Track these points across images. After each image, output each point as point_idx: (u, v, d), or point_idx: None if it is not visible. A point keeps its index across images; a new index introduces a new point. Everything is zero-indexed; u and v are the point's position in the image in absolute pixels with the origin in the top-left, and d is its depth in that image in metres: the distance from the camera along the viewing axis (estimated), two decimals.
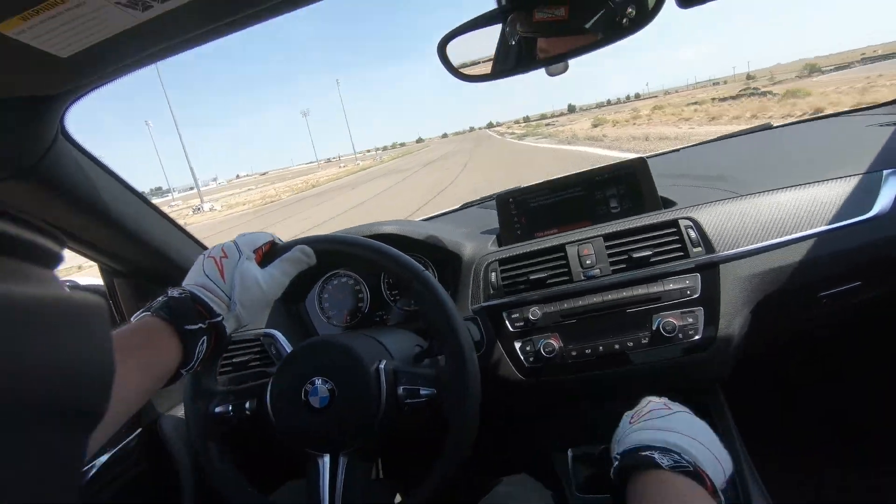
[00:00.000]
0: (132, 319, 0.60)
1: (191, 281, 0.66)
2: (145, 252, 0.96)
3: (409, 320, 1.18)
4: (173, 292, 0.62)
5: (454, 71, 0.77)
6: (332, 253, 0.78)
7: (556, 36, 0.70)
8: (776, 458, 1.12)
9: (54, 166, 0.70)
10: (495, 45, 0.75)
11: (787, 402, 1.29)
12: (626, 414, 0.71)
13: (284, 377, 0.74)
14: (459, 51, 0.77)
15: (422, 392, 0.74)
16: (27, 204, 0.73)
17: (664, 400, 0.71)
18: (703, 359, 0.92)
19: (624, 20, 0.68)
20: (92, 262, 0.98)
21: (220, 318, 0.63)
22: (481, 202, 1.51)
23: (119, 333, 0.55)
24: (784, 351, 1.10)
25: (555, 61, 0.73)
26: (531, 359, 0.98)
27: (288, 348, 1.11)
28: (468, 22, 0.75)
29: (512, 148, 26.12)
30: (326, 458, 0.73)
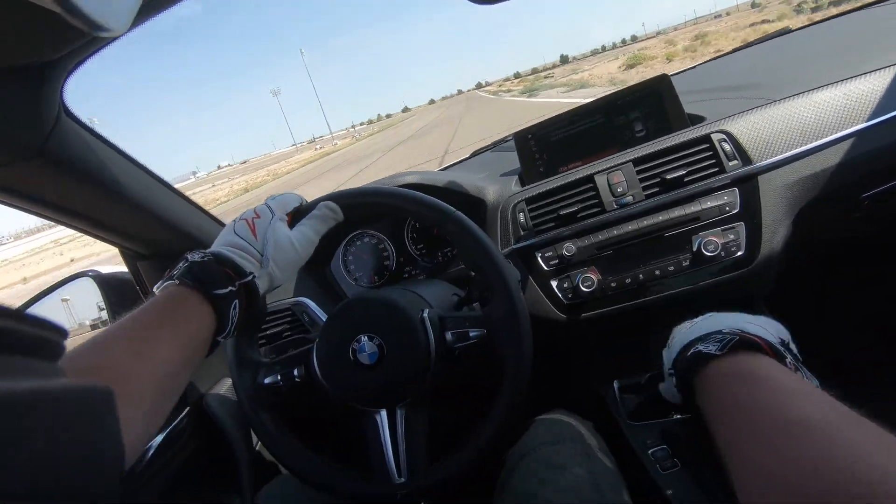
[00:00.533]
0: (155, 290, 0.57)
1: (219, 243, 0.64)
2: (165, 230, 0.93)
3: (438, 272, 1.16)
4: (194, 256, 0.59)
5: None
6: (359, 206, 0.76)
7: None
8: (817, 370, 1.12)
9: (62, 146, 0.67)
10: None
11: (830, 310, 1.28)
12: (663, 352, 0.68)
13: (329, 339, 0.73)
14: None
15: (471, 334, 0.72)
16: (41, 187, 0.70)
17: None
18: (747, 275, 0.90)
19: None
20: (111, 249, 0.96)
21: (250, 277, 0.60)
22: (493, 146, 1.46)
23: (145, 308, 0.53)
24: (827, 260, 1.08)
25: None
26: (569, 295, 0.96)
27: (320, 314, 1.10)
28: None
29: (519, 109, 17.94)
30: (384, 413, 0.73)
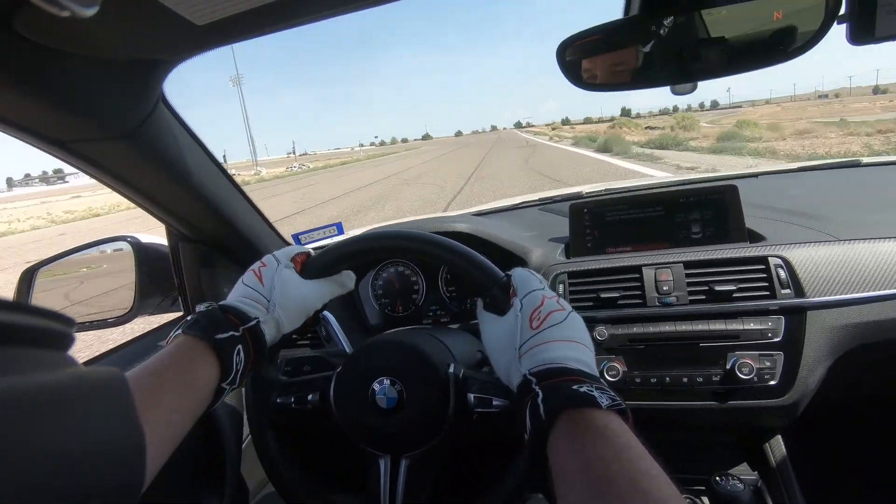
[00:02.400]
0: (166, 342, 0.58)
1: (230, 297, 0.66)
2: (218, 223, 0.95)
3: (463, 319, 1.16)
4: (201, 307, 0.60)
5: (573, 75, 0.73)
6: (401, 249, 0.74)
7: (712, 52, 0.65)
8: None
9: (152, 131, 0.69)
10: (627, 55, 0.70)
11: (854, 453, 1.25)
12: (518, 302, 0.61)
13: (351, 375, 0.72)
14: (579, 56, 0.73)
15: (494, 402, 0.70)
16: (118, 165, 0.72)
17: (554, 296, 0.63)
18: (775, 405, 0.89)
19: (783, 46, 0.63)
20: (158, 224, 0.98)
21: (255, 321, 0.61)
22: (541, 204, 1.46)
23: (153, 359, 0.54)
24: (860, 411, 1.06)
25: (704, 77, 0.68)
26: None
27: (338, 332, 1.10)
28: (594, 28, 0.70)
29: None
30: (388, 459, 0.72)
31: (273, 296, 0.64)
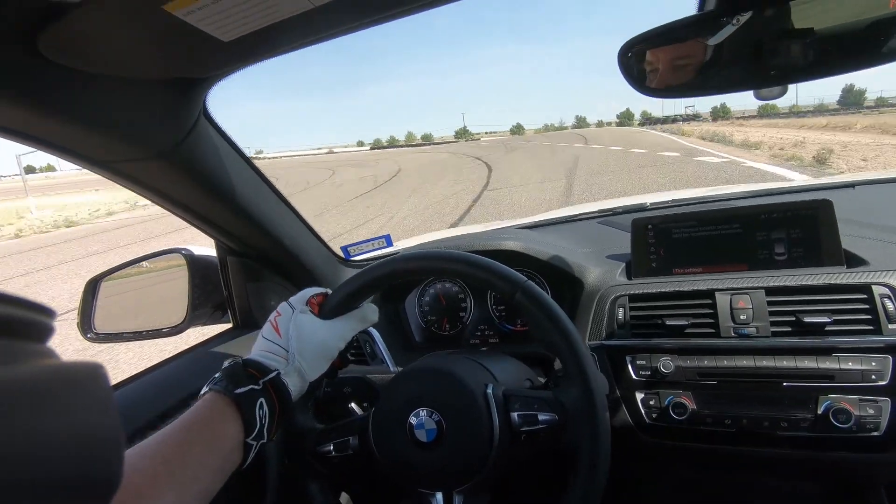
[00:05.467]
0: (198, 398, 0.59)
1: (253, 350, 0.65)
2: (260, 235, 0.94)
3: (515, 340, 1.09)
4: (226, 363, 0.61)
5: (636, 80, 0.65)
6: (421, 271, 0.71)
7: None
8: None
9: (194, 147, 0.68)
10: (700, 54, 0.61)
11: None
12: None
13: (385, 410, 0.68)
14: (645, 58, 0.65)
15: (540, 418, 0.64)
16: (161, 182, 0.72)
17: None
18: (878, 459, 0.76)
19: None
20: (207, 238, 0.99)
21: (275, 373, 0.60)
22: (601, 216, 1.36)
23: (182, 415, 0.55)
24: None
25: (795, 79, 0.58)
26: (654, 415, 0.85)
27: (382, 347, 1.07)
28: (661, 28, 0.62)
29: None
30: (439, 497, 0.66)
31: (291, 345, 0.64)
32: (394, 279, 0.72)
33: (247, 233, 0.92)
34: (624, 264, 1.01)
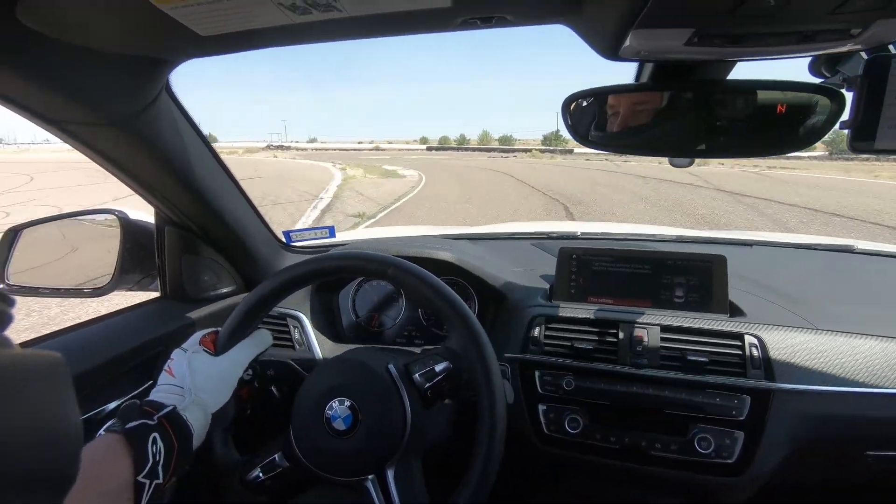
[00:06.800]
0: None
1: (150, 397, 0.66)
2: (205, 211, 0.95)
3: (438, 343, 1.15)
4: (122, 405, 0.62)
5: (573, 129, 0.73)
6: (390, 278, 0.75)
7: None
8: None
9: (152, 120, 0.69)
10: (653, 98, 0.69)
11: None
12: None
13: (302, 413, 0.72)
14: (582, 111, 0.73)
15: (437, 369, 0.72)
16: (112, 149, 0.72)
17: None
18: (730, 483, 0.88)
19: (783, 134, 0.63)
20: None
21: (170, 408, 0.60)
22: (536, 238, 1.46)
23: None
24: (821, 493, 1.05)
25: (686, 155, 0.68)
26: (552, 427, 0.94)
27: (310, 334, 1.10)
28: (603, 88, 0.70)
29: None
30: (372, 480, 0.70)
31: (186, 382, 0.65)
32: (281, 293, 0.76)
33: (191, 205, 0.93)
34: (547, 287, 1.10)
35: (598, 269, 1.07)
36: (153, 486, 0.54)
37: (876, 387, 0.86)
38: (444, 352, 0.73)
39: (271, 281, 0.75)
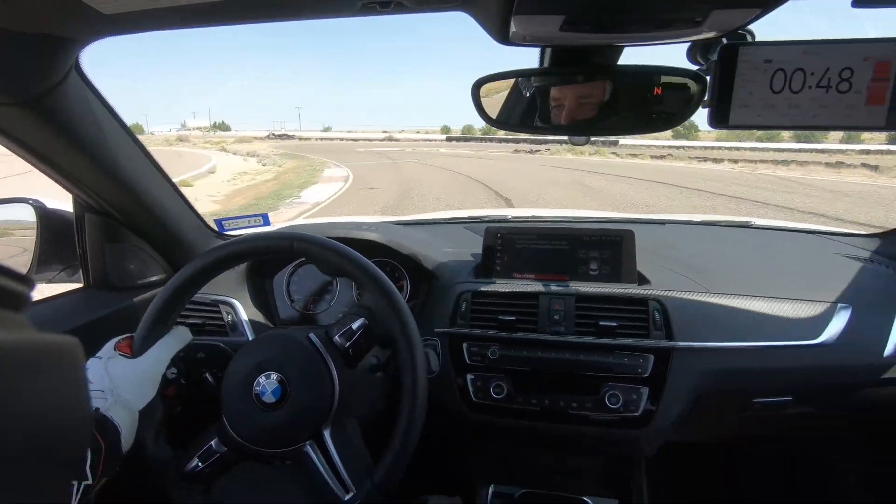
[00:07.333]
0: None
1: None
2: (126, 196, 0.94)
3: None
4: None
5: (481, 111, 0.79)
6: (297, 252, 0.78)
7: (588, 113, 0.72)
8: None
9: (62, 100, 0.68)
10: (526, 98, 0.76)
11: (705, 490, 1.37)
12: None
13: (231, 393, 0.73)
14: (491, 94, 0.79)
15: (354, 327, 0.76)
16: (20, 131, 0.71)
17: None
18: (637, 435, 0.98)
19: (660, 114, 0.71)
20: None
21: (93, 409, 0.62)
22: (470, 222, 1.52)
23: None
24: (716, 446, 1.18)
25: (577, 133, 0.75)
26: (479, 395, 1.01)
27: (243, 319, 1.11)
28: (507, 71, 0.76)
29: None
30: (311, 444, 0.73)
31: (106, 385, 0.66)
32: (191, 287, 0.78)
33: (111, 191, 0.91)
34: (474, 265, 1.16)
35: (520, 246, 1.13)
36: (82, 486, 0.54)
37: (761, 341, 0.97)
38: (359, 309, 0.77)
39: (177, 277, 0.76)
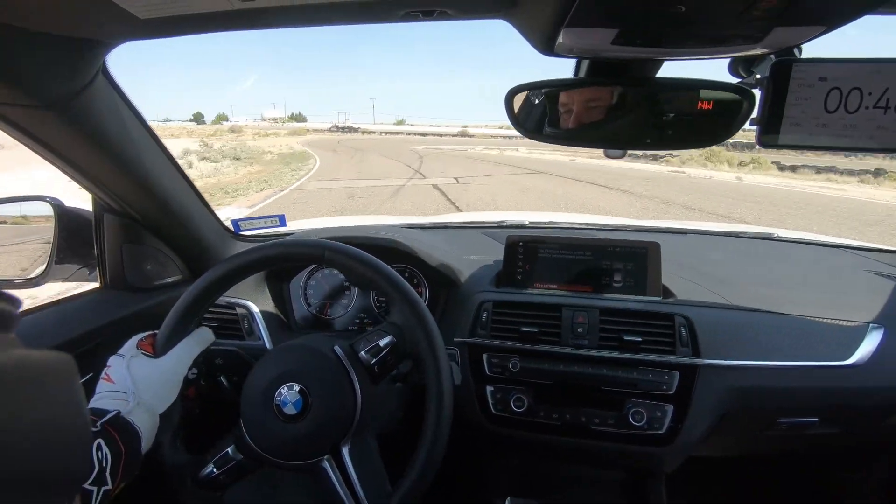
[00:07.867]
0: None
1: (90, 404, 0.65)
2: (146, 197, 0.92)
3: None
4: None
5: (515, 120, 0.76)
6: (327, 261, 0.76)
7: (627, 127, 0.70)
8: None
9: (88, 102, 0.67)
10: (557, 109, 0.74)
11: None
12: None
13: (251, 401, 0.72)
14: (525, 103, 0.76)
15: (382, 343, 0.74)
16: (46, 133, 0.69)
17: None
18: (660, 452, 0.96)
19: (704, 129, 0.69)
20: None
21: (113, 413, 0.60)
22: (487, 227, 1.50)
23: None
24: (740, 461, 1.16)
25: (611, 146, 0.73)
26: (499, 407, 0.99)
27: (261, 325, 1.09)
28: (542, 81, 0.74)
29: None
30: (328, 459, 0.71)
31: (129, 387, 0.64)
32: (220, 289, 0.76)
33: (131, 193, 0.90)
34: (496, 273, 1.14)
35: (543, 256, 1.11)
36: (101, 492, 0.53)
37: (790, 360, 0.95)
38: (387, 326, 0.75)
39: (207, 276, 0.74)
